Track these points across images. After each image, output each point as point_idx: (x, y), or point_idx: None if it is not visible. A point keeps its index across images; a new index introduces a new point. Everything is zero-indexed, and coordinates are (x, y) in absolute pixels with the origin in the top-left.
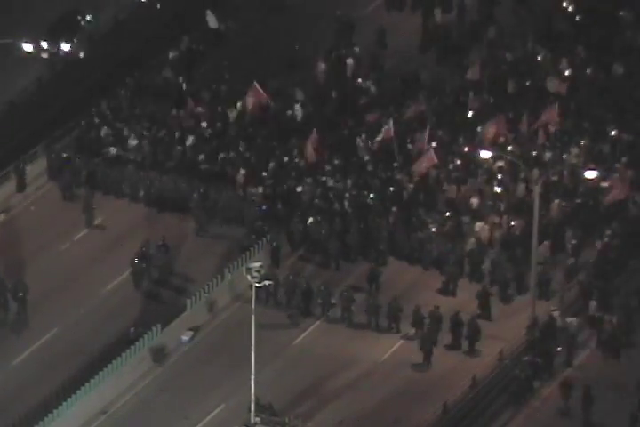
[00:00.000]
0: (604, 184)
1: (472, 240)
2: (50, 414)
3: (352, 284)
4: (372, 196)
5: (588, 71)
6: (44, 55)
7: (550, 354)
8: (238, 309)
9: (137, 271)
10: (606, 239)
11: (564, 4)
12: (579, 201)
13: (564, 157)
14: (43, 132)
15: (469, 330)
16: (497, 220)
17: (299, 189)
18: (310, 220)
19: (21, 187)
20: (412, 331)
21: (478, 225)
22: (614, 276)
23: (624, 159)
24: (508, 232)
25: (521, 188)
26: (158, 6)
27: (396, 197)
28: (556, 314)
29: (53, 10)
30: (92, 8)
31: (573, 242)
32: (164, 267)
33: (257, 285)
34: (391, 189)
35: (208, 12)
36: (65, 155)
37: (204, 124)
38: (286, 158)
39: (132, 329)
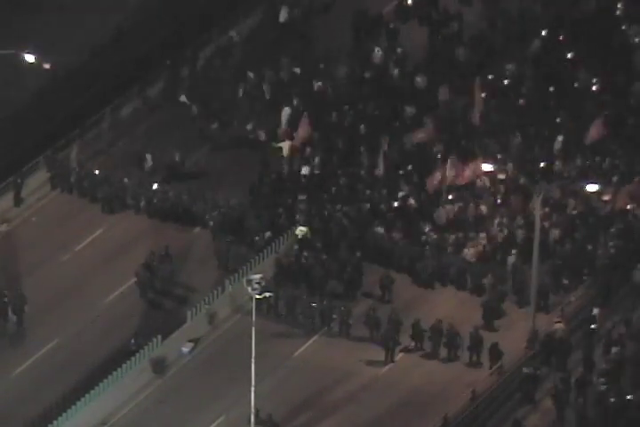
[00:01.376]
0: (605, 198)
1: (468, 251)
2: (50, 426)
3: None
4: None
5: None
6: (46, 66)
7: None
8: (239, 320)
9: (142, 281)
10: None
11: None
12: (575, 212)
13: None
14: (44, 143)
15: (472, 342)
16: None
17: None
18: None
19: (18, 201)
20: (412, 344)
21: (481, 236)
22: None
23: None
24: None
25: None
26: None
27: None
28: (559, 326)
29: (55, 21)
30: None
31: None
32: (167, 277)
33: (257, 297)
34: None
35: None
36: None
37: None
38: None
39: (132, 340)
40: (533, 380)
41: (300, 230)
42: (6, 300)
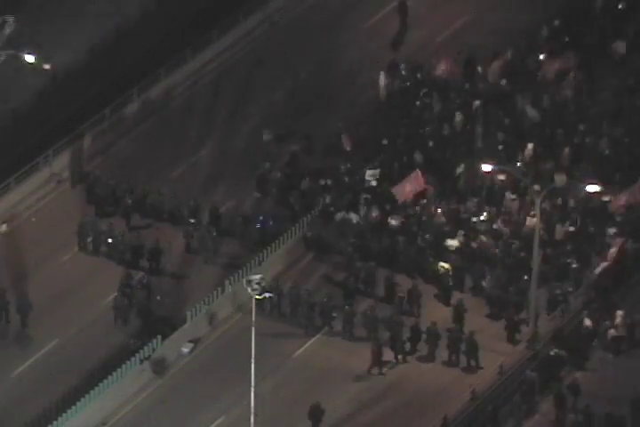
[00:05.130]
0: (606, 198)
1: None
2: (50, 426)
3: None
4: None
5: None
6: (46, 66)
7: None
8: (239, 320)
9: (119, 307)
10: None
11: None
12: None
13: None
14: (44, 143)
15: (467, 346)
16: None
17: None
18: None
19: None
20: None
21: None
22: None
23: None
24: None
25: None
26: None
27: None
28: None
29: (55, 21)
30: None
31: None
32: (144, 304)
33: (257, 297)
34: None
35: None
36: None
37: None
38: None
39: (131, 340)
40: (559, 361)
41: (442, 266)
42: (8, 300)
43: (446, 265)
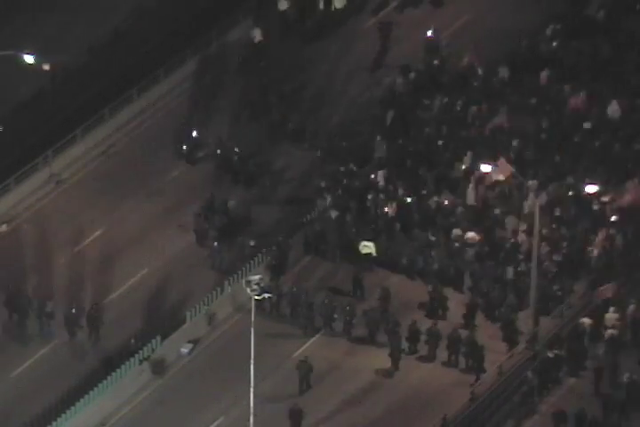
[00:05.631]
0: (605, 199)
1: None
2: (49, 426)
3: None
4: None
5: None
6: (46, 67)
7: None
8: (239, 320)
9: (200, 230)
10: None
11: None
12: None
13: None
14: (44, 143)
15: (467, 347)
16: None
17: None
18: None
19: None
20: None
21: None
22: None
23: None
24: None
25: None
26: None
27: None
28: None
29: (53, 21)
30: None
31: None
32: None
33: (256, 297)
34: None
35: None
36: None
37: None
38: None
39: (132, 340)
40: (557, 362)
41: (365, 246)
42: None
43: (370, 244)
